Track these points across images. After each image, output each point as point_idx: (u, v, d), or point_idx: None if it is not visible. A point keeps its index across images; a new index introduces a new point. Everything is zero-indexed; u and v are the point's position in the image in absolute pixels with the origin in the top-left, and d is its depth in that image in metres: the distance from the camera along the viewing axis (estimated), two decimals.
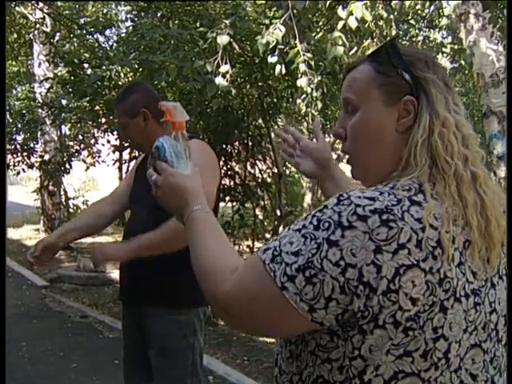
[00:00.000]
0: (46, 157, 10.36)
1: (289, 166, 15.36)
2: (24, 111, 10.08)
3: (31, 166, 10.06)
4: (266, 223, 9.07)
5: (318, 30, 6.02)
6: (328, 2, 4.51)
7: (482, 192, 1.09)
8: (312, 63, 4.36)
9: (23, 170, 10.18)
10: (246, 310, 1.10)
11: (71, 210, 14.53)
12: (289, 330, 1.10)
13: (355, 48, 4.59)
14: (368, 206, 1.01)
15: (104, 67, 5.52)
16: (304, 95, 4.45)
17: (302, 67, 4.27)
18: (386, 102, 1.14)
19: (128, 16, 7.99)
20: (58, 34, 10.68)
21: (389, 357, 1.03)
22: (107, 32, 8.93)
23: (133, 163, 3.13)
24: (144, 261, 2.58)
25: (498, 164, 4.50)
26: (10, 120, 10.09)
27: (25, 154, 9.99)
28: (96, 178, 24.54)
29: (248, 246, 6.87)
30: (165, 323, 2.60)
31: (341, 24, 4.14)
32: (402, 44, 5.67)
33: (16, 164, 10.42)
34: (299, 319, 1.04)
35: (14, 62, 12.29)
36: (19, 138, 10.59)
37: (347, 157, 1.24)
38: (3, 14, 3.37)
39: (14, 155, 10.29)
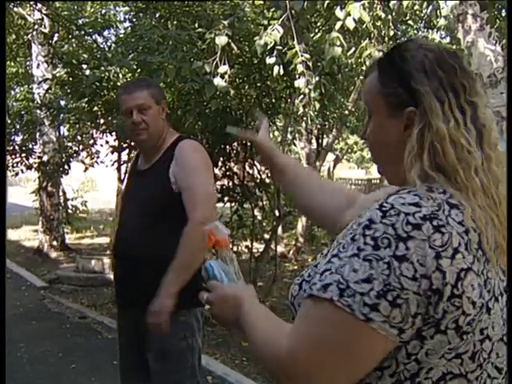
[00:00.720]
0: (45, 158, 10.35)
1: None
2: (22, 112, 10.06)
3: (30, 167, 10.03)
4: (264, 224, 9.07)
5: (316, 30, 6.03)
6: (326, 3, 4.51)
7: (496, 196, 1.09)
8: (310, 64, 4.36)
9: (22, 171, 10.15)
10: (317, 361, 1.01)
11: (70, 211, 14.52)
12: (370, 362, 1.03)
13: (353, 49, 4.60)
14: (417, 213, 0.99)
15: (102, 68, 5.52)
16: (302, 96, 4.46)
17: (300, 68, 4.27)
18: (389, 114, 1.15)
19: (126, 17, 7.99)
20: (56, 34, 10.67)
21: (441, 360, 1.02)
22: (106, 33, 8.92)
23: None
24: (140, 262, 2.58)
25: None
26: (9, 121, 10.07)
27: (23, 154, 9.96)
28: (95, 179, 24.53)
29: (247, 247, 6.87)
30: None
31: (339, 25, 4.14)
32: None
33: (14, 165, 10.40)
34: (386, 345, 1.01)
35: (12, 63, 12.27)
36: (18, 139, 10.57)
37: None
38: (3, 15, 3.38)
39: (13, 156, 10.27)
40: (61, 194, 12.61)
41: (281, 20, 4.30)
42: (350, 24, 4.02)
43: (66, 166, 9.62)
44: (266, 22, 5.39)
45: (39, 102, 8.54)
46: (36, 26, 9.97)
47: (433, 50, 1.16)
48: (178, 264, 2.50)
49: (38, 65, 10.75)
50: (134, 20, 6.68)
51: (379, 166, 1.25)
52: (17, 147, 10.27)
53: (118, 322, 2.93)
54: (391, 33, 4.67)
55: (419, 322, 0.99)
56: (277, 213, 6.74)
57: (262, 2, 5.38)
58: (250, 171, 6.63)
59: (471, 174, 1.08)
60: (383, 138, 1.17)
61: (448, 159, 1.08)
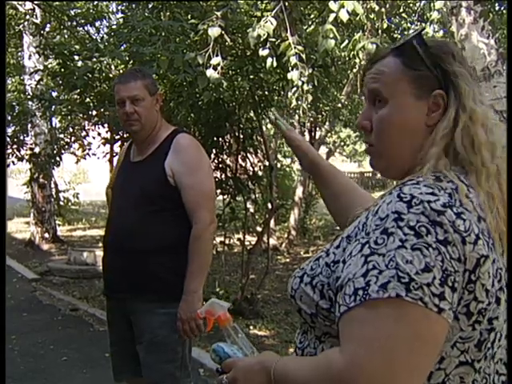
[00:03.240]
0: (37, 149, 10.31)
1: (280, 159, 15.35)
2: (14, 103, 10.00)
3: (21, 159, 9.99)
4: (257, 216, 9.07)
5: (310, 22, 6.01)
6: None
7: (503, 185, 1.11)
8: (303, 56, 4.34)
9: (13, 162, 10.11)
10: (391, 363, 0.94)
11: (61, 203, 14.49)
12: (438, 351, 1.00)
13: (346, 41, 4.59)
14: (437, 201, 1.00)
15: (94, 59, 5.48)
16: (295, 88, 4.44)
17: (293, 60, 4.26)
18: (416, 96, 1.14)
19: (119, 8, 7.94)
20: (48, 25, 10.60)
21: (454, 351, 1.02)
22: (98, 24, 8.89)
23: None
24: (129, 253, 2.58)
25: None
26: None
27: (15, 146, 9.91)
28: (87, 171, 24.43)
29: (239, 240, 6.87)
30: (153, 317, 2.59)
31: (332, 17, 4.12)
32: (394, 37, 5.68)
33: (6, 157, 10.36)
34: (446, 332, 0.99)
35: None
36: (9, 131, 10.52)
37: (367, 147, 1.23)
38: (3, 14, 3.34)
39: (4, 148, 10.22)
40: (52, 185, 12.57)
41: (274, 12, 4.28)
42: (344, 16, 4.01)
43: (58, 158, 9.58)
44: (259, 14, 5.36)
45: (31, 93, 8.49)
46: (27, 17, 9.88)
47: (446, 43, 1.19)
48: (196, 267, 2.58)
49: (30, 56, 10.69)
50: (127, 11, 6.64)
51: (387, 153, 1.19)
52: (8, 139, 10.22)
53: (108, 313, 2.92)
54: (385, 25, 4.65)
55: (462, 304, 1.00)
56: (269, 206, 6.73)
57: None
58: (243, 164, 6.61)
59: (494, 157, 1.10)
60: (406, 120, 1.15)
61: (476, 141, 1.10)
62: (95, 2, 9.71)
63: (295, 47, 4.23)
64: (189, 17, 5.66)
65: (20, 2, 10.07)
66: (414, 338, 0.95)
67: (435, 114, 1.14)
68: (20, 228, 13.64)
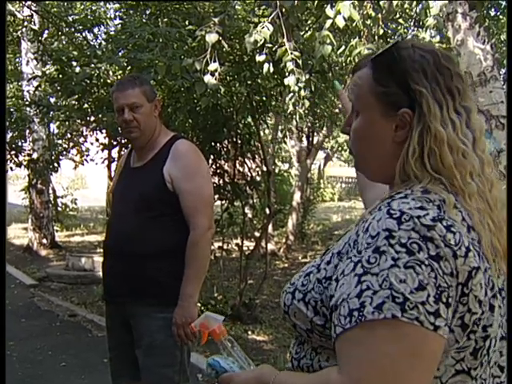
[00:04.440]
0: (35, 155, 10.32)
1: (278, 164, 15.33)
2: (12, 109, 10.02)
3: (19, 165, 10.00)
4: (255, 222, 9.08)
5: (307, 28, 6.03)
6: (316, 1, 4.52)
7: (490, 201, 1.10)
8: (300, 62, 4.36)
9: (11, 168, 10.12)
10: (387, 383, 0.94)
11: (60, 209, 14.49)
12: (435, 367, 1.00)
13: (343, 47, 4.61)
14: (427, 216, 0.99)
15: (92, 65, 5.50)
16: (292, 94, 4.46)
17: (290, 66, 4.27)
18: (382, 113, 1.13)
19: (117, 14, 7.96)
20: (46, 31, 10.61)
21: (449, 360, 1.03)
22: (95, 30, 8.90)
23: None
24: (128, 258, 2.60)
25: None
26: None
27: (13, 152, 9.92)
28: (85, 177, 24.43)
29: (237, 245, 6.88)
30: (152, 321, 2.61)
31: (329, 23, 4.14)
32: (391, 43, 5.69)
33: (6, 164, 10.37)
34: (443, 348, 0.99)
35: None
36: (7, 137, 10.53)
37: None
38: (3, 14, 3.35)
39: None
40: (50, 191, 12.57)
41: (271, 17, 4.30)
42: (340, 22, 4.03)
43: (56, 164, 9.59)
44: (256, 20, 5.38)
45: (29, 99, 8.50)
46: (26, 23, 9.90)
47: (429, 52, 1.15)
48: (193, 273, 2.59)
49: (28, 62, 10.70)
50: (125, 17, 6.66)
51: (361, 161, 1.23)
52: (6, 145, 10.23)
53: (107, 322, 2.93)
54: (381, 31, 4.67)
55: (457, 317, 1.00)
56: (267, 211, 6.74)
57: (252, 0, 5.37)
58: (241, 169, 6.63)
59: (467, 179, 1.08)
60: (373, 135, 1.15)
61: (445, 163, 1.08)
62: (93, 8, 9.74)
63: (292, 53, 4.25)
64: (186, 23, 5.69)
65: (18, 9, 10.09)
66: (412, 357, 0.95)
67: (401, 132, 1.12)
68: (18, 234, 13.63)
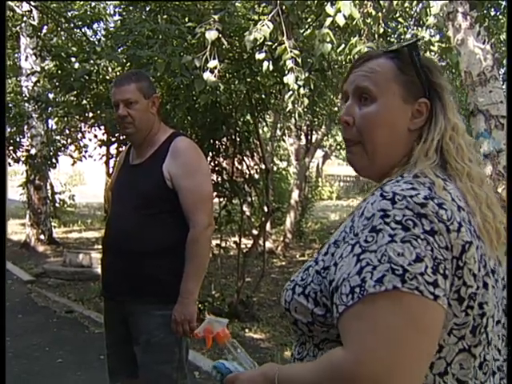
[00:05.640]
0: (33, 151, 10.29)
1: (276, 162, 15.34)
2: (10, 105, 10.00)
3: (17, 160, 9.98)
4: (253, 219, 9.07)
5: (307, 26, 6.02)
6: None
7: (487, 190, 1.18)
8: (299, 60, 4.35)
9: (9, 164, 10.09)
10: (396, 353, 0.96)
11: (57, 205, 14.46)
12: (438, 337, 1.03)
13: (343, 45, 4.60)
14: (419, 195, 1.05)
15: (91, 61, 5.48)
16: (291, 92, 4.45)
17: (289, 64, 4.26)
18: (404, 99, 1.20)
19: (116, 10, 7.94)
20: (45, 27, 10.58)
21: (452, 338, 1.06)
22: (95, 26, 8.86)
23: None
24: (128, 256, 2.59)
25: (485, 162, 4.53)
26: None
27: (11, 148, 9.90)
28: (83, 173, 24.43)
29: (235, 242, 6.87)
30: (151, 318, 2.60)
31: (329, 21, 4.13)
32: (391, 41, 5.69)
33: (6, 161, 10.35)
34: (443, 317, 1.03)
35: None
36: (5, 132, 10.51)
37: (347, 145, 1.26)
38: (3, 14, 3.33)
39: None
40: (48, 187, 12.55)
41: (271, 15, 4.29)
42: (340, 20, 4.02)
43: (54, 160, 9.57)
44: (256, 17, 5.37)
45: (27, 94, 8.48)
46: (25, 18, 9.87)
47: (432, 59, 1.26)
48: (193, 270, 2.59)
49: (27, 57, 10.67)
50: (124, 14, 6.64)
51: (369, 149, 1.22)
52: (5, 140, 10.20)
53: (105, 318, 2.93)
54: (381, 30, 4.66)
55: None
56: (265, 209, 6.74)
57: None
58: (239, 167, 6.62)
59: (474, 167, 1.18)
60: (390, 121, 1.20)
61: (462, 151, 1.18)
62: (93, 4, 9.71)
63: (291, 51, 4.24)
64: (186, 20, 5.67)
65: (17, 4, 10.06)
66: (415, 326, 0.97)
67: (418, 120, 1.20)
68: (15, 230, 13.61)
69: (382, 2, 4.87)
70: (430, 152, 1.17)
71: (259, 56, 4.43)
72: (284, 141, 13.72)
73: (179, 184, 2.60)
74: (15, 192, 13.63)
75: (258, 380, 1.17)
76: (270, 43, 4.49)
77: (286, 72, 4.39)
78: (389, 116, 1.20)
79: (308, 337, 1.19)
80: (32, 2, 9.07)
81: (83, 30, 8.21)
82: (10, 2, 9.79)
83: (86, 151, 11.70)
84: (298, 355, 1.22)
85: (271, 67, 4.48)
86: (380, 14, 4.47)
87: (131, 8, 6.48)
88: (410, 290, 0.97)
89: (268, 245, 9.72)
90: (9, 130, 10.29)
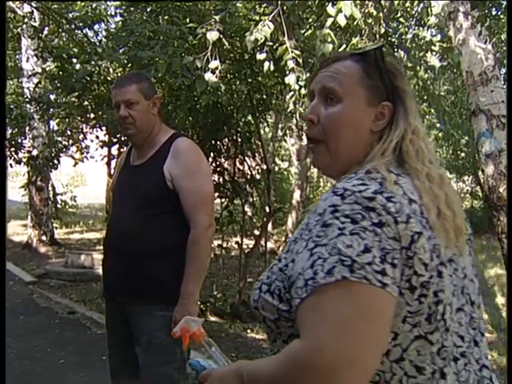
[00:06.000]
0: (34, 152, 10.30)
1: (278, 162, 15.34)
2: (12, 106, 10.01)
3: (19, 162, 9.99)
4: (254, 220, 9.07)
5: (308, 26, 6.02)
6: None
7: (447, 190, 1.22)
8: (300, 60, 4.35)
9: (11, 165, 10.11)
10: (347, 341, 1.00)
11: (59, 206, 14.47)
12: (389, 325, 1.06)
13: (344, 45, 4.60)
14: (368, 190, 1.09)
15: (93, 62, 5.49)
16: (292, 92, 4.45)
17: (291, 64, 4.26)
18: (368, 102, 1.25)
19: (117, 11, 7.95)
20: (46, 28, 10.60)
21: (406, 325, 1.09)
22: (96, 27, 8.88)
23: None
24: (129, 257, 2.59)
25: (487, 162, 4.53)
26: None
27: (12, 149, 9.91)
28: (84, 174, 24.44)
29: (237, 243, 6.87)
30: (152, 319, 2.60)
31: (330, 21, 4.13)
32: (392, 41, 5.69)
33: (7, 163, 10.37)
34: (394, 305, 1.06)
35: None
36: (7, 133, 10.52)
37: (309, 143, 1.30)
38: (3, 15, 3.34)
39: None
40: (50, 188, 12.56)
41: (271, 16, 4.29)
42: (342, 21, 4.02)
43: (56, 161, 9.58)
44: (257, 18, 5.37)
45: (29, 96, 8.49)
46: (26, 20, 9.88)
47: (396, 64, 1.34)
48: (194, 271, 2.59)
49: (28, 58, 10.67)
50: (125, 14, 6.64)
51: (332, 148, 1.26)
52: (6, 141, 10.22)
53: (107, 319, 2.93)
54: (382, 30, 4.66)
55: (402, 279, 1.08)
56: (267, 209, 6.74)
57: None
58: (241, 167, 6.63)
59: (434, 168, 1.23)
60: (354, 122, 1.24)
61: (422, 153, 1.23)
62: (94, 5, 9.72)
63: (292, 51, 4.24)
64: (187, 20, 5.68)
65: (18, 5, 10.07)
66: (364, 314, 1.01)
67: (380, 122, 1.25)
68: (17, 231, 13.62)
69: (383, 2, 4.86)
70: (387, 152, 1.21)
71: (260, 56, 4.44)
72: (285, 141, 13.72)
73: (180, 185, 2.60)
74: (17, 193, 13.65)
75: (229, 376, 1.20)
76: (270, 44, 4.50)
77: (287, 72, 4.40)
78: (353, 117, 1.24)
79: (277, 333, 1.22)
80: (33, 4, 9.09)
81: (84, 31, 8.23)
82: (11, 4, 9.81)
83: (87, 152, 11.71)
84: (270, 352, 1.26)
85: (272, 67, 4.48)
86: (381, 14, 4.47)
87: (132, 9, 6.48)
88: (358, 279, 1.00)
89: (270, 245, 9.72)
90: (10, 131, 10.32)
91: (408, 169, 1.21)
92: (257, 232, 7.84)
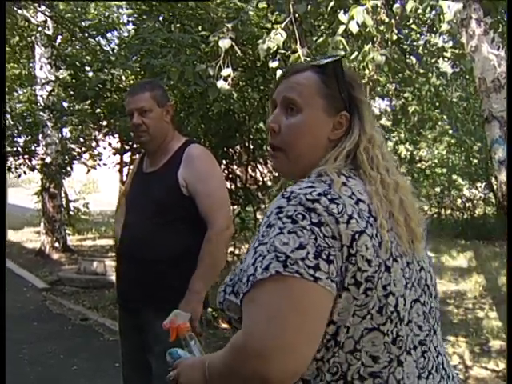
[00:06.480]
0: (48, 159, 10.37)
1: None
2: (25, 114, 10.09)
3: (32, 169, 10.06)
4: None
5: (320, 34, 6.02)
6: (330, 7, 4.51)
7: (403, 195, 1.29)
8: None
9: (24, 172, 10.18)
10: (278, 332, 1.07)
11: (72, 213, 14.54)
12: (323, 319, 1.14)
13: (356, 52, 4.59)
14: (313, 192, 1.17)
15: (106, 70, 5.53)
16: None
17: None
18: (326, 112, 1.31)
19: (129, 19, 8.00)
20: (59, 36, 10.68)
21: (355, 318, 1.16)
22: (109, 35, 8.95)
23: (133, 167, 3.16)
24: (143, 264, 2.60)
25: (500, 169, 4.50)
26: (12, 122, 10.12)
27: (26, 156, 9.98)
28: (97, 181, 24.54)
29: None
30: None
31: (342, 28, 4.14)
32: (404, 48, 5.69)
33: (17, 166, 10.44)
34: (331, 300, 1.13)
35: (15, 65, 12.27)
36: (20, 141, 10.61)
37: (270, 150, 1.38)
38: (3, 15, 3.37)
39: (16, 158, 10.32)
40: (63, 195, 12.62)
41: (284, 24, 4.29)
42: (354, 28, 4.02)
43: (69, 168, 9.64)
44: (269, 26, 5.39)
45: (42, 103, 8.56)
46: (40, 28, 9.97)
47: (355, 74, 1.43)
48: (204, 269, 2.58)
49: (41, 67, 10.76)
50: (138, 22, 6.68)
51: (291, 156, 1.33)
52: (20, 149, 10.31)
53: (120, 326, 2.93)
54: (394, 37, 4.66)
55: (343, 276, 1.14)
56: None
57: (265, 6, 5.38)
58: (253, 174, 6.63)
59: (389, 175, 1.29)
60: (313, 131, 1.31)
61: (377, 161, 1.29)
62: (107, 14, 9.79)
63: (305, 59, 4.24)
64: (199, 28, 5.70)
65: (32, 14, 10.16)
66: (295, 306, 1.08)
67: (338, 131, 1.32)
68: (30, 237, 13.69)
69: (395, 7, 4.86)
70: (340, 157, 1.28)
71: (273, 64, 4.44)
72: None
73: (195, 189, 2.61)
74: (30, 200, 13.74)
75: (195, 366, 1.29)
76: (283, 51, 4.50)
77: None
78: (312, 127, 1.31)
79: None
80: (47, 13, 9.17)
81: (97, 39, 8.29)
82: (25, 13, 9.91)
83: (100, 159, 11.78)
84: None
85: None
86: (393, 21, 4.47)
87: (145, 17, 6.53)
88: (291, 273, 1.08)
89: None
90: (24, 138, 10.40)
91: (362, 174, 1.27)
92: None
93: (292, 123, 1.32)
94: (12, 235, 13.51)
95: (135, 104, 2.67)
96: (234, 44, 4.60)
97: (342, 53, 4.24)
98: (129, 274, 2.70)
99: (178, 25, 5.79)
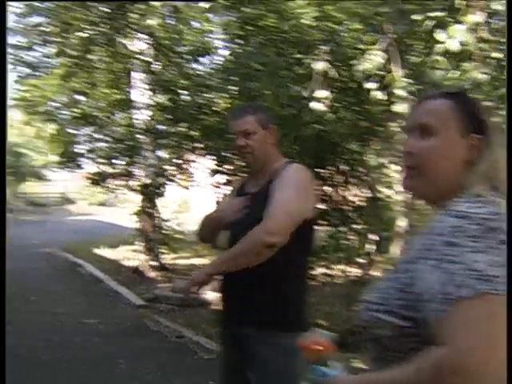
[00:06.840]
0: (145, 180, 10.73)
1: (382, 190, 15.08)
2: (123, 138, 10.48)
3: (132, 190, 10.42)
4: (359, 247, 8.95)
5: (414, 53, 5.94)
6: (426, 26, 4.44)
7: None
8: (412, 88, 4.29)
9: (124, 193, 10.58)
10: (490, 349, 1.12)
11: (166, 232, 14.91)
12: None
13: (454, 71, 4.49)
14: (488, 212, 1.23)
15: (202, 94, 5.69)
16: (401, 120, 4.39)
17: (401, 93, 4.21)
18: (461, 134, 1.37)
19: (224, 44, 8.21)
20: (157, 62, 11.09)
21: None
22: (204, 59, 9.19)
23: (228, 188, 3.21)
24: (253, 284, 2.63)
25: None
26: (113, 146, 10.57)
27: (126, 177, 10.37)
28: (189, 201, 25.05)
29: (342, 271, 6.81)
30: (267, 348, 2.59)
31: (441, 47, 4.06)
32: (504, 66, 5.49)
33: (116, 188, 10.86)
34: None
35: (115, 90, 12.75)
36: (121, 163, 11.03)
37: (406, 170, 1.43)
38: (3, 15, 3.53)
39: (115, 179, 10.75)
40: (158, 215, 12.98)
41: (382, 46, 4.27)
42: (454, 46, 3.94)
43: (163, 189, 9.90)
44: (362, 46, 5.38)
45: (140, 127, 8.88)
46: (139, 56, 10.39)
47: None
48: (232, 253, 2.65)
49: (139, 91, 11.19)
50: (235, 47, 6.82)
51: (431, 179, 1.38)
52: (118, 170, 10.73)
53: (221, 343, 2.96)
54: (495, 54, 4.51)
55: None
56: (373, 237, 6.65)
57: (359, 27, 5.37)
58: (346, 195, 6.59)
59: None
60: (451, 153, 1.37)
61: (500, 178, 1.34)
62: (202, 39, 10.07)
63: (404, 81, 4.20)
64: (293, 51, 5.76)
65: (129, 41, 10.60)
66: (501, 323, 1.13)
67: (472, 152, 1.37)
68: (128, 256, 14.13)
69: (493, 26, 4.72)
70: (482, 179, 1.32)
71: (370, 86, 4.43)
72: (388, 168, 13.48)
73: (273, 195, 2.58)
74: (127, 220, 14.22)
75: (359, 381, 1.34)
76: (379, 72, 4.48)
77: (396, 100, 4.35)
78: (448, 149, 1.37)
79: (387, 350, 1.32)
80: (145, 41, 9.57)
81: (193, 63, 8.54)
82: (123, 41, 10.36)
83: (194, 180, 12.05)
84: (371, 371, 1.38)
85: (382, 96, 4.46)
86: (495, 38, 4.34)
87: (241, 41, 6.66)
88: (490, 290, 1.12)
89: (374, 272, 9.55)
90: (123, 161, 10.83)
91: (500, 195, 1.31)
92: (361, 260, 7.73)
93: (430, 145, 1.38)
94: (110, 253, 14.01)
95: (239, 127, 2.74)
96: (328, 65, 4.62)
97: (440, 72, 4.17)
98: (230, 294, 2.74)
99: (272, 48, 5.88)
